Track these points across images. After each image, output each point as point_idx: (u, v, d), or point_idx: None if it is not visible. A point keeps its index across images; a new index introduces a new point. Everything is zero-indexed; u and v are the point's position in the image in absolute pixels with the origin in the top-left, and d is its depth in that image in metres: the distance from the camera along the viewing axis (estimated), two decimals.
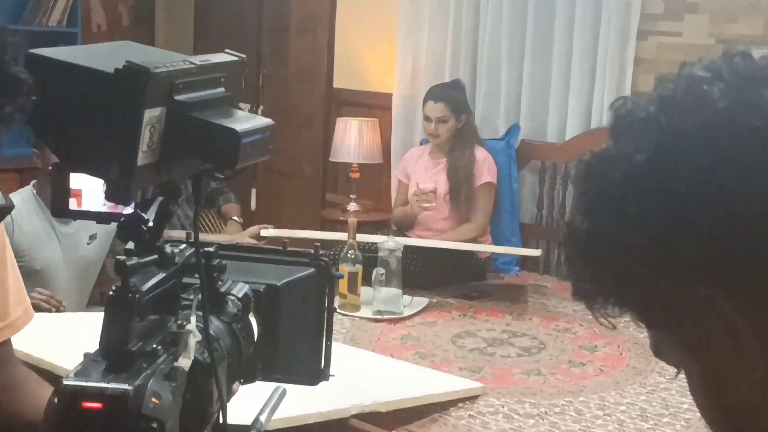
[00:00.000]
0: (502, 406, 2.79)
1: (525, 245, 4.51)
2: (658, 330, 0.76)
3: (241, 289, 1.00)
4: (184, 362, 0.86)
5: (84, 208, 1.02)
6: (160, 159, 0.85)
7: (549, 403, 2.84)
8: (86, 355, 0.85)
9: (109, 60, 0.83)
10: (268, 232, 3.92)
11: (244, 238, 3.88)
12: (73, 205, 0.98)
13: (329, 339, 1.15)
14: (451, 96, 4.26)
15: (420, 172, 4.34)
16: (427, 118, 4.26)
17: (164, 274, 0.89)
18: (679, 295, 0.71)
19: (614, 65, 4.24)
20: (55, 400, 0.80)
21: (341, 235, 3.91)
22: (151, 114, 0.83)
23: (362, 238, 3.92)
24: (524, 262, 4.49)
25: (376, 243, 3.79)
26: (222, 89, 0.92)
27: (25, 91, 0.85)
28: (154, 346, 0.86)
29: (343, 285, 3.54)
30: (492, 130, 4.66)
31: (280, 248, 1.16)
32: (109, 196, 0.83)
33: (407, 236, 4.24)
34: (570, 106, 4.45)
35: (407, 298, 3.71)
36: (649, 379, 3.05)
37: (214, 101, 0.89)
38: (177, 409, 0.85)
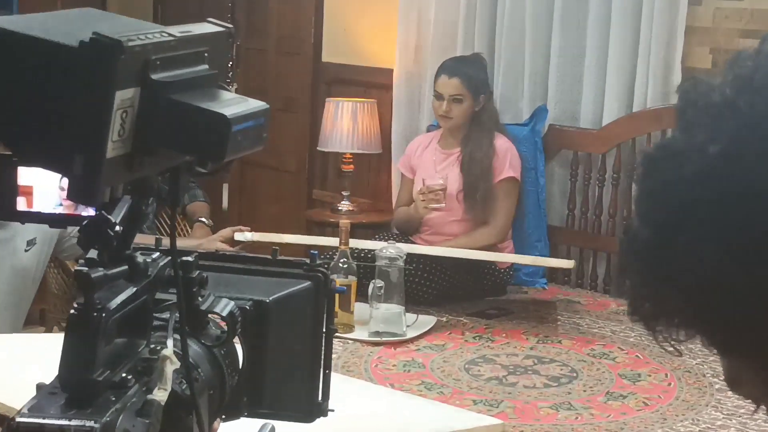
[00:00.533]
0: None
1: (553, 253, 4.53)
2: (735, 357, 0.77)
3: (225, 307, 1.00)
4: (160, 395, 0.87)
5: (35, 209, 1.02)
6: (133, 150, 0.85)
7: None
8: (40, 386, 0.86)
9: (71, 31, 0.84)
10: (244, 236, 3.93)
11: (215, 243, 3.88)
12: (21, 205, 0.98)
13: (328, 366, 1.16)
14: (469, 72, 4.28)
15: (427, 165, 4.36)
16: (438, 96, 4.28)
17: (135, 289, 0.89)
18: (764, 316, 0.72)
19: (661, 35, 4.26)
20: None
21: (331, 241, 3.93)
22: (123, 96, 0.83)
23: (357, 243, 3.93)
24: (553, 274, 4.50)
25: (373, 250, 3.80)
26: (206, 66, 0.92)
27: None
28: (124, 375, 0.86)
29: None
30: (514, 113, 4.68)
31: (269, 256, 1.16)
32: (72, 194, 0.83)
33: (411, 242, 4.26)
34: (608, 85, 4.46)
35: (411, 316, 3.73)
36: (703, 414, 3.06)
37: (196, 81, 0.89)
38: None
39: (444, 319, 3.90)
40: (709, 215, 0.71)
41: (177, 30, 0.90)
